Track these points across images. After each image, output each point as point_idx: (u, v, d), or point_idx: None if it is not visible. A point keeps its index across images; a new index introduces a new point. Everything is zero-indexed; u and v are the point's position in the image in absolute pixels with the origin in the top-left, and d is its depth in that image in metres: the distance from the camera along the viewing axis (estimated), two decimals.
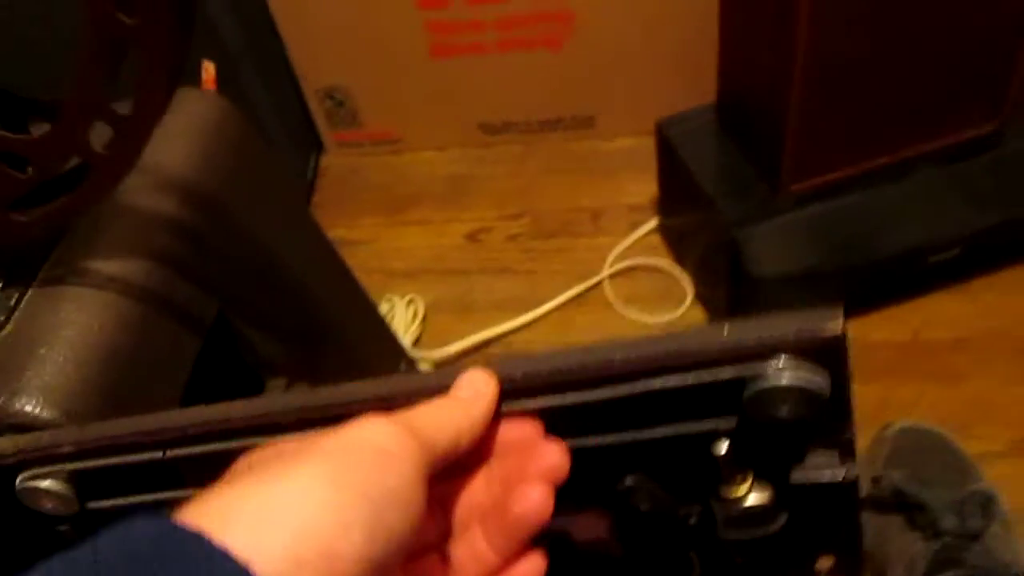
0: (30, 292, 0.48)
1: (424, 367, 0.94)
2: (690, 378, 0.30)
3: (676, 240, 1.02)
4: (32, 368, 0.44)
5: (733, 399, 0.30)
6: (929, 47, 0.78)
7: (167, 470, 0.40)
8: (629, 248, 1.04)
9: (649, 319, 0.98)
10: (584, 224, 1.09)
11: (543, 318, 1.00)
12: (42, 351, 0.45)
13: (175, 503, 0.43)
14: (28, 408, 0.43)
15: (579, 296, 1.01)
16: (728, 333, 0.29)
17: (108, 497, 0.42)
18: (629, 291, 1.01)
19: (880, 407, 0.85)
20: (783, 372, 0.28)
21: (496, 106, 1.18)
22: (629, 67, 1.10)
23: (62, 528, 0.44)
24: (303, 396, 0.35)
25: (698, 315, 0.97)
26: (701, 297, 0.98)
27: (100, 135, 0.39)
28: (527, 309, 1.00)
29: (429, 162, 1.22)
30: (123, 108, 0.39)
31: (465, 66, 1.12)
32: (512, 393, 0.32)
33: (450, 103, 1.18)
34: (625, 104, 1.14)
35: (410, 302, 1.03)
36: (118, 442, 0.41)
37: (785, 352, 0.28)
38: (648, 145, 0.99)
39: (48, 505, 0.43)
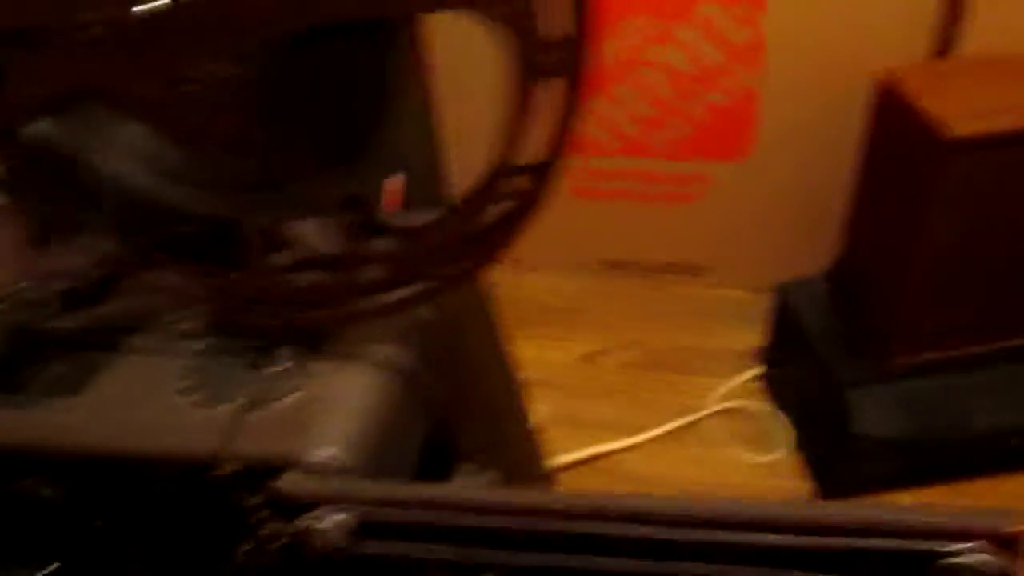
0: (320, 361, 0.59)
1: None
2: (894, 544, 0.40)
3: (779, 389, 1.12)
4: (329, 423, 0.55)
5: (916, 562, 0.40)
6: None
7: (440, 533, 0.51)
8: (731, 390, 1.14)
9: (747, 458, 1.07)
10: (691, 362, 1.19)
11: (648, 443, 1.10)
12: (335, 410, 0.56)
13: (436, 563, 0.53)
14: (327, 455, 0.53)
15: (682, 428, 1.11)
16: (930, 514, 0.39)
17: (383, 541, 0.52)
18: (729, 430, 1.10)
19: None
20: (975, 554, 0.39)
21: (619, 245, 1.31)
22: (749, 230, 1.23)
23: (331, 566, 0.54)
24: (587, 498, 0.46)
25: (794, 461, 1.06)
26: (799, 444, 1.07)
27: None
28: (633, 433, 1.10)
29: (549, 285, 1.34)
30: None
31: (599, 208, 1.26)
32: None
33: (577, 237, 1.31)
34: (738, 260, 1.26)
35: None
36: (414, 503, 0.51)
37: (976, 538, 0.39)
38: (753, 299, 1.10)
39: (325, 543, 0.53)
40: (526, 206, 0.48)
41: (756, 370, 1.16)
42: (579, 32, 0.41)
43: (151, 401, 0.61)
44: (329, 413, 0.56)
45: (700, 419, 1.12)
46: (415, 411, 0.62)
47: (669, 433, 1.10)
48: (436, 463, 0.73)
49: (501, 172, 0.46)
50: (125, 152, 0.51)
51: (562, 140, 0.45)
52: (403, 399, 0.61)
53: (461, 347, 0.69)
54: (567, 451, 1.08)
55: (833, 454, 0.98)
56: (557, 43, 0.41)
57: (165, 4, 0.42)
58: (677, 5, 1.06)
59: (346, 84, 0.46)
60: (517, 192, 0.48)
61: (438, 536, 0.52)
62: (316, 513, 0.53)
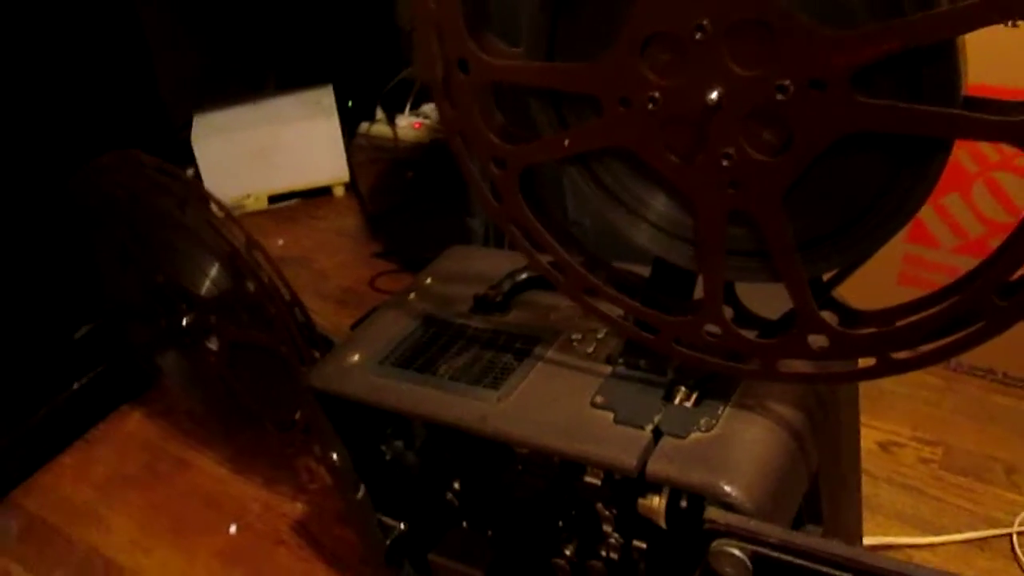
0: (729, 408, 0.66)
1: None
2: None
3: None
4: (742, 467, 0.61)
5: None
6: None
7: None
8: None
9: None
10: (996, 474, 1.16)
11: (943, 546, 1.08)
12: (745, 456, 0.62)
13: None
14: (737, 495, 0.60)
15: (983, 539, 1.09)
16: None
17: None
18: None
19: None
20: None
21: None
22: None
23: None
24: None
25: None
26: None
27: None
28: (928, 532, 1.09)
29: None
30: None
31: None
32: None
33: None
34: None
35: None
36: (805, 550, 0.56)
37: None
38: None
39: (728, 570, 0.59)
40: (994, 327, 0.52)
41: None
42: None
43: (566, 408, 0.71)
44: (737, 457, 0.63)
45: (1003, 535, 1.09)
46: (800, 471, 0.68)
47: (968, 541, 1.09)
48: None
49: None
50: (635, 207, 0.60)
51: None
52: (794, 459, 0.66)
53: (835, 421, 0.74)
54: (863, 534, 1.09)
55: None
56: None
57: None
58: None
59: (868, 182, 0.52)
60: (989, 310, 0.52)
61: None
62: (724, 542, 0.60)
